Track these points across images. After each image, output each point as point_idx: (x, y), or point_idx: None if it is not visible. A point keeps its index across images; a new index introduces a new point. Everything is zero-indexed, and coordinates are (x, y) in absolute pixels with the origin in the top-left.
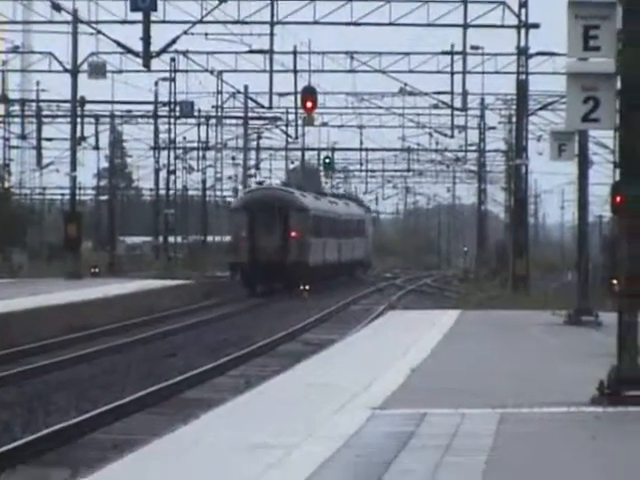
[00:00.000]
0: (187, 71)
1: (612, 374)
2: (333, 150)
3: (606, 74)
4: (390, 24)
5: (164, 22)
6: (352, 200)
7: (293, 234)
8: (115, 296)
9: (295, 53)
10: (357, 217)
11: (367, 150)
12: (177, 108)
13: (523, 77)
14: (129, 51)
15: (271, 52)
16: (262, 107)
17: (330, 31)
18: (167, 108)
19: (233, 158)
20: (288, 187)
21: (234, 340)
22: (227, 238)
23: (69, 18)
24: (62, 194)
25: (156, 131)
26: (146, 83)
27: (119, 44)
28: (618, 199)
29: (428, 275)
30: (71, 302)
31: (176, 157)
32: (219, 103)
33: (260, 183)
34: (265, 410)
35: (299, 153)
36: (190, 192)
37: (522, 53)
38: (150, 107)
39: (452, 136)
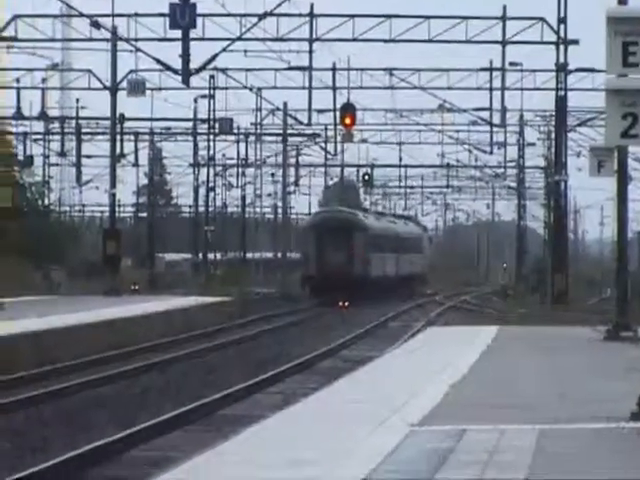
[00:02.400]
0: (226, 88)
1: None
2: (372, 166)
3: None
4: (429, 41)
5: (203, 39)
6: (410, 220)
7: (356, 250)
8: (154, 313)
9: (334, 70)
10: (415, 235)
11: (406, 167)
12: (216, 125)
13: (562, 93)
14: (168, 68)
15: (310, 69)
16: (301, 124)
17: (369, 48)
18: (206, 125)
19: (272, 175)
20: (352, 209)
21: (273, 357)
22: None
23: (108, 36)
24: (101, 211)
25: (195, 148)
26: (185, 100)
27: (158, 61)
28: None
29: (468, 292)
30: (110, 319)
31: (215, 174)
32: (258, 120)
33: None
34: (303, 427)
35: (338, 169)
36: (229, 209)
37: (561, 69)
38: (189, 124)
39: (491, 152)
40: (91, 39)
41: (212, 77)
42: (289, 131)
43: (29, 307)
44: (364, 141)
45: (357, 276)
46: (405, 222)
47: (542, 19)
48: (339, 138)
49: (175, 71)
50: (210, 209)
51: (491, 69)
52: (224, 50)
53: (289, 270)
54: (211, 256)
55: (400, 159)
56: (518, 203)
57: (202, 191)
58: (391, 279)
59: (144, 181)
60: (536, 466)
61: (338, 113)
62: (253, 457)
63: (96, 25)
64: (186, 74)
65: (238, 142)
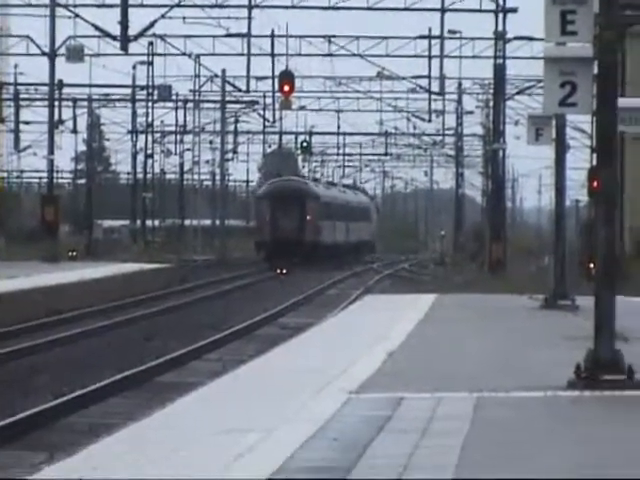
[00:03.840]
0: (165, 55)
1: (589, 358)
2: (310, 134)
3: (583, 58)
4: (368, 8)
5: (142, 6)
6: (358, 190)
7: (308, 218)
8: (92, 279)
9: (273, 37)
10: (363, 204)
11: (345, 134)
12: (155, 92)
13: (500, 62)
14: (107, 35)
15: (249, 35)
16: (240, 91)
17: (308, 15)
18: (145, 92)
19: (211, 142)
20: (303, 178)
21: (211, 324)
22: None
23: (47, 1)
24: (40, 177)
25: (134, 115)
26: (124, 67)
27: (97, 27)
28: (595, 183)
29: (405, 259)
30: (48, 285)
31: (154, 141)
32: (197, 87)
33: (279, 175)
34: (241, 394)
35: (276, 137)
36: (168, 176)
37: (500, 38)
38: (128, 91)
39: (430, 120)
40: (29, 5)
41: (151, 44)
42: (227, 98)
43: None
44: (302, 108)
45: (309, 242)
46: (354, 192)
47: None
48: (277, 105)
49: (114, 37)
50: (148, 176)
51: (430, 37)
52: (163, 17)
53: (228, 237)
54: (149, 223)
55: (338, 127)
56: (456, 171)
57: (140, 158)
58: (341, 246)
59: (82, 148)
60: (473, 434)
61: (277, 80)
62: (189, 425)
63: None
64: (125, 40)
65: (176, 109)
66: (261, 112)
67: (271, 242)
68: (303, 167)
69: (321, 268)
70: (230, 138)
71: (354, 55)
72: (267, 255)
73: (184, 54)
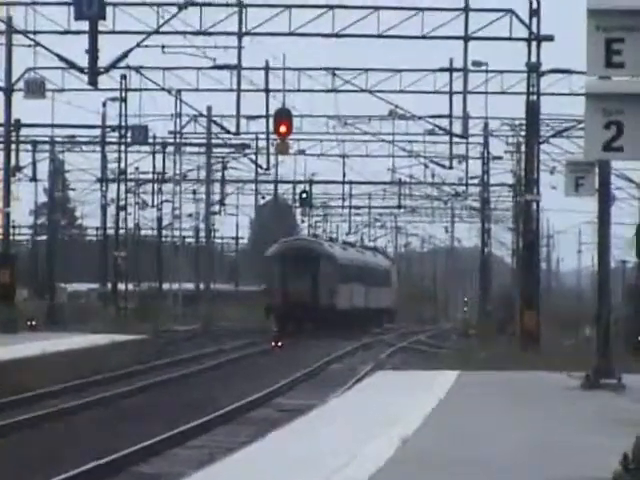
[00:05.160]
0: (140, 90)
1: (638, 446)
2: (311, 183)
3: (631, 94)
4: (379, 36)
5: (114, 32)
6: (378, 252)
7: (322, 280)
8: (55, 353)
9: (267, 69)
10: (383, 267)
11: (351, 183)
12: (128, 133)
13: (534, 98)
14: (72, 66)
15: (239, 68)
16: (228, 132)
17: (308, 43)
18: (117, 133)
19: (194, 192)
20: (317, 238)
21: (196, 405)
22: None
23: (2, 27)
24: None
25: (104, 160)
26: (92, 104)
27: (61, 58)
28: None
29: (422, 330)
30: (2, 360)
31: (127, 191)
32: (177, 128)
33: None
34: None
35: (271, 186)
36: (143, 231)
37: (533, 70)
38: (97, 132)
39: (451, 167)
40: None
41: (124, 77)
42: (214, 141)
43: None
44: (302, 153)
45: (323, 307)
46: (374, 253)
47: (511, 11)
48: (272, 149)
49: (80, 69)
50: (121, 231)
51: (451, 69)
52: (138, 45)
53: (214, 303)
54: (122, 286)
55: (344, 174)
56: (482, 227)
57: (111, 210)
58: (359, 312)
59: (43, 198)
60: None
61: (271, 120)
62: None
63: None
64: (93, 73)
65: (154, 153)
66: (253, 157)
67: (282, 306)
68: (302, 222)
69: (329, 337)
70: (217, 187)
71: (362, 91)
72: (277, 320)
73: (163, 89)
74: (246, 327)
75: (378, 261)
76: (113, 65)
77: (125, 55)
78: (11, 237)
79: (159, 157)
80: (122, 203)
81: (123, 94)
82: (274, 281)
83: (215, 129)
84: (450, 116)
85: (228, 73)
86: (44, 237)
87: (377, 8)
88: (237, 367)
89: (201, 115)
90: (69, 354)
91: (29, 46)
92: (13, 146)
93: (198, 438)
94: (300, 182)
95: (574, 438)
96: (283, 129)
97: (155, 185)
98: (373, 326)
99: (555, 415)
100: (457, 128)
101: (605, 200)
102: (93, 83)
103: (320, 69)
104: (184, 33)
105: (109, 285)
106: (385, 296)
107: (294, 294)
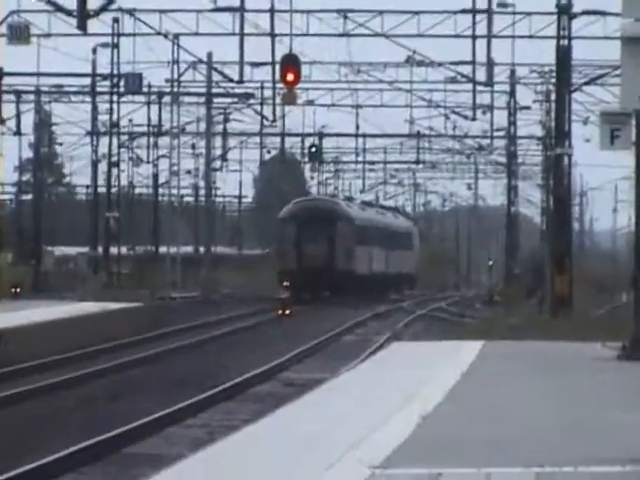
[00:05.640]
0: (134, 34)
1: None
2: (321, 136)
3: None
4: None
5: None
6: (399, 212)
7: (339, 243)
8: (41, 323)
9: (272, 11)
10: (404, 229)
11: (365, 136)
12: (121, 82)
13: (565, 42)
14: (60, 9)
15: (242, 10)
16: (230, 81)
17: None
18: (108, 82)
19: (193, 146)
20: (334, 197)
21: (195, 379)
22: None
23: None
24: None
25: (94, 112)
26: (82, 51)
27: (48, 0)
28: None
29: (443, 297)
30: None
31: (120, 145)
32: (175, 76)
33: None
34: (233, 470)
35: (277, 140)
36: (138, 190)
37: (563, 12)
38: (87, 81)
39: (474, 118)
40: None
41: (116, 21)
42: (215, 90)
43: None
44: (311, 103)
45: (340, 272)
46: (394, 214)
47: None
48: (278, 99)
49: (68, 12)
50: (113, 190)
51: (474, 11)
52: None
53: (215, 268)
54: (114, 250)
55: (357, 127)
56: (508, 183)
57: (103, 167)
58: (378, 277)
59: (28, 154)
60: None
61: (277, 67)
62: None
63: None
64: (82, 16)
65: (149, 104)
66: (258, 108)
67: (297, 271)
68: (311, 179)
69: (340, 305)
70: (218, 141)
71: (377, 35)
72: (292, 286)
73: (159, 34)
74: (250, 294)
75: (399, 223)
76: (104, 7)
77: None
78: None
79: (155, 108)
80: (114, 159)
81: (115, 39)
82: (288, 244)
83: (216, 77)
84: (473, 62)
85: (230, 16)
86: (29, 196)
87: None
88: (240, 338)
89: (201, 62)
90: (56, 324)
91: None
92: None
93: (197, 416)
94: (309, 135)
95: (609, 415)
96: (290, 77)
97: (150, 139)
98: (393, 292)
99: (588, 390)
100: (481, 75)
101: None
102: (82, 27)
103: (331, 11)
104: None
105: (100, 249)
106: (406, 260)
107: (309, 258)
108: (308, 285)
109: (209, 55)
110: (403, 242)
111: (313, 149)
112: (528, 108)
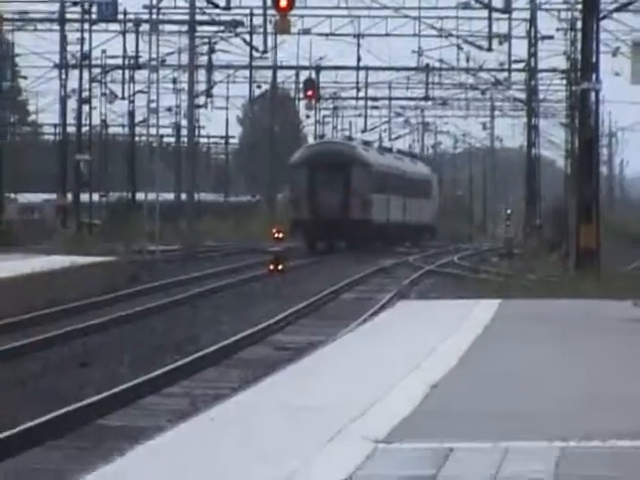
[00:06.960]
0: None
1: None
2: (318, 69)
3: None
4: None
5: None
6: (417, 158)
7: (355, 190)
8: (3, 279)
9: None
10: (424, 176)
11: (367, 69)
12: (93, 9)
13: None
14: None
15: None
16: (216, 7)
17: None
18: (79, 9)
19: (174, 81)
20: (349, 140)
21: (174, 343)
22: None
23: None
24: None
25: (63, 42)
26: None
27: None
28: None
29: (455, 250)
30: None
31: (92, 79)
32: (154, 2)
33: (322, 137)
34: (218, 444)
35: (269, 73)
36: (112, 129)
37: None
38: (55, 7)
39: (490, 49)
40: None
41: None
42: (198, 17)
43: None
44: (306, 32)
45: (356, 221)
46: (413, 160)
47: None
48: (270, 28)
49: None
50: (84, 130)
51: None
52: None
53: (199, 218)
54: (85, 198)
55: (358, 58)
56: (528, 122)
57: (72, 104)
58: (396, 227)
59: None
60: None
61: None
62: None
63: None
64: None
65: (124, 33)
66: (247, 38)
67: (310, 221)
68: (307, 117)
69: (344, 259)
70: (202, 75)
71: None
72: (305, 236)
73: None
74: (238, 246)
75: (418, 169)
76: None
77: None
78: None
79: (131, 38)
80: (85, 95)
81: None
82: (300, 192)
83: (200, 3)
84: None
85: None
86: None
87: None
88: (227, 296)
89: None
90: (20, 280)
91: None
92: None
93: (178, 383)
94: (304, 68)
95: (638, 383)
96: (283, 3)
97: (126, 72)
98: (412, 243)
99: (616, 354)
100: (497, 1)
101: None
102: None
103: None
104: None
105: (69, 196)
106: (425, 209)
107: (323, 207)
108: (322, 235)
109: None
110: (422, 190)
111: (309, 83)
112: (551, 37)
